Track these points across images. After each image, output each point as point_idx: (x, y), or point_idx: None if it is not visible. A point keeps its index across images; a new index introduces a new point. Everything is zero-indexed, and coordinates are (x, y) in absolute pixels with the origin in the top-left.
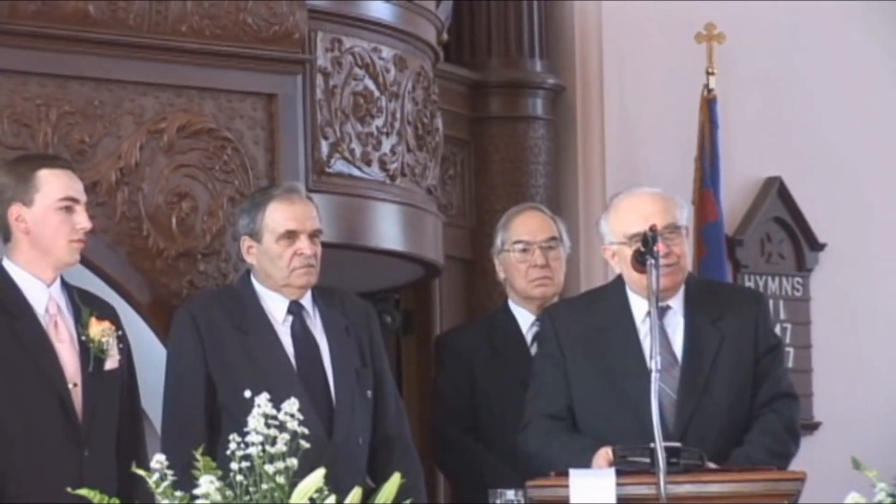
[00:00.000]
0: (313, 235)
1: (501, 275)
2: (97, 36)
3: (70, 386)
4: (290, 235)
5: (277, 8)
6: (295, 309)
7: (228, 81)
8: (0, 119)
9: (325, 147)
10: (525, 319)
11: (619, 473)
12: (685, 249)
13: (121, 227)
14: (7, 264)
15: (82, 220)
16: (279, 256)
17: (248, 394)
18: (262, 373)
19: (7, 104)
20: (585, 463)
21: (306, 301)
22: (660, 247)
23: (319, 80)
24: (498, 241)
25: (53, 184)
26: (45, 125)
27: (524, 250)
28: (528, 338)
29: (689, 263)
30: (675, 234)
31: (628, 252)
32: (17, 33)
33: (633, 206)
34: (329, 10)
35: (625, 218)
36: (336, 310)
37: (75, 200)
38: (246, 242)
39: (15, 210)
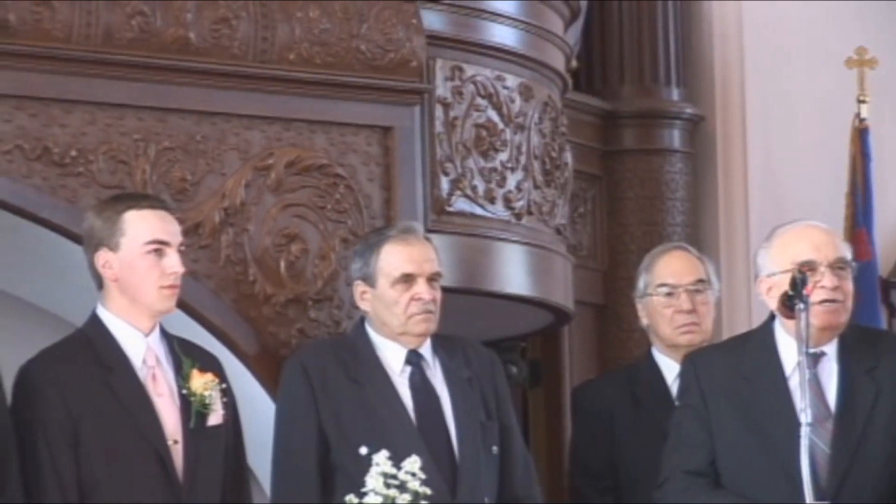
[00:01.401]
0: (432, 279)
1: (644, 321)
2: (199, 65)
3: (170, 443)
4: (407, 279)
5: (393, 34)
6: (413, 359)
7: (341, 113)
8: (95, 155)
9: (445, 184)
10: (670, 369)
11: None
12: (851, 289)
13: (225, 271)
14: (102, 313)
15: (173, 263)
16: (395, 302)
17: (363, 450)
18: (379, 428)
19: (103, 139)
20: None
21: (425, 350)
22: (828, 280)
23: (439, 111)
24: (640, 284)
25: (140, 226)
26: (144, 162)
27: (669, 294)
28: (674, 389)
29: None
30: (844, 269)
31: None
32: (112, 63)
33: (803, 236)
34: (449, 36)
35: (794, 246)
36: (458, 360)
37: (165, 243)
38: (359, 287)
39: (102, 256)
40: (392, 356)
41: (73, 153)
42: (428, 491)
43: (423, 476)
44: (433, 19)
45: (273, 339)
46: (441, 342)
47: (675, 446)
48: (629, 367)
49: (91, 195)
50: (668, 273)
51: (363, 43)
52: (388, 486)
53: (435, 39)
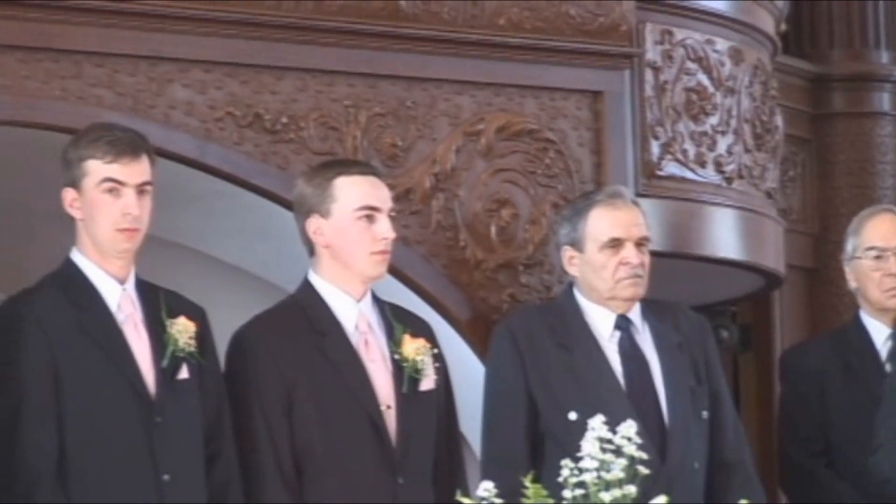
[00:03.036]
0: (640, 244)
1: (853, 284)
2: (409, 31)
3: (383, 408)
4: (615, 244)
5: None
6: (622, 324)
7: (551, 78)
8: (306, 122)
9: (655, 148)
10: (879, 333)
11: None
12: None
13: (436, 237)
14: (314, 279)
15: (384, 229)
16: (603, 267)
17: (573, 416)
18: (588, 393)
19: (314, 106)
20: None
21: (634, 315)
22: None
23: (649, 75)
24: (848, 247)
25: (351, 192)
26: (354, 128)
27: (878, 257)
28: (883, 353)
29: None
30: None
31: None
32: (323, 30)
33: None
34: (659, 0)
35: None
36: (667, 324)
37: (376, 209)
38: (568, 252)
39: (313, 222)
40: (601, 321)
41: (284, 120)
42: (644, 455)
43: (638, 441)
44: None
45: (484, 304)
46: (650, 307)
47: (890, 412)
48: (838, 330)
49: (302, 162)
50: (876, 236)
51: (573, 7)
52: (603, 450)
53: (644, 3)
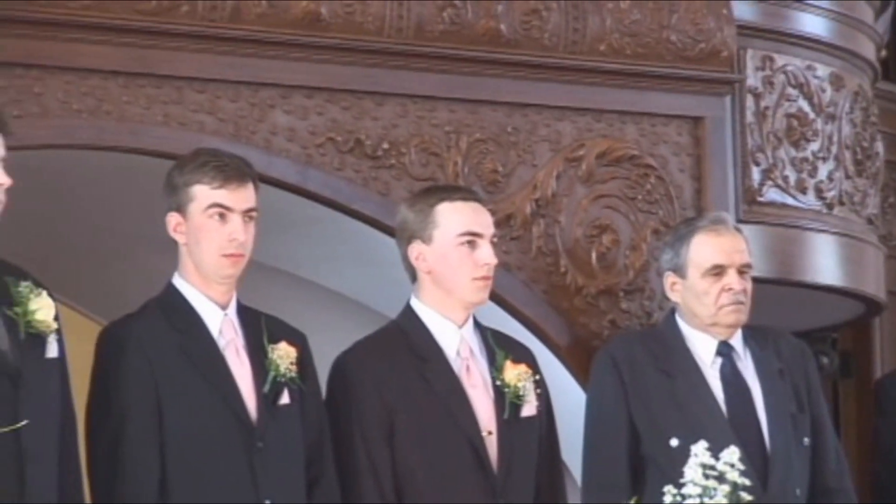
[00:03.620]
0: (742, 270)
1: None
2: (510, 57)
3: (484, 434)
4: (718, 270)
5: (704, 24)
6: (724, 350)
7: (651, 104)
8: (407, 148)
9: (756, 174)
10: None
11: None
12: None
13: (537, 262)
14: (416, 305)
15: (486, 255)
16: (705, 293)
17: (674, 442)
18: (690, 420)
19: (414, 132)
20: None
21: (736, 341)
22: None
23: (750, 101)
24: None
25: (453, 218)
26: (455, 154)
27: None
28: None
29: None
30: None
31: None
32: (424, 55)
33: None
34: (759, 26)
35: None
36: (769, 351)
37: (478, 235)
38: (669, 278)
39: (415, 248)
40: (703, 347)
41: (385, 145)
42: (747, 482)
43: (742, 467)
44: (743, 9)
45: (584, 330)
46: (752, 333)
47: None
48: None
49: (403, 187)
50: None
51: (673, 33)
52: (706, 476)
53: (745, 29)
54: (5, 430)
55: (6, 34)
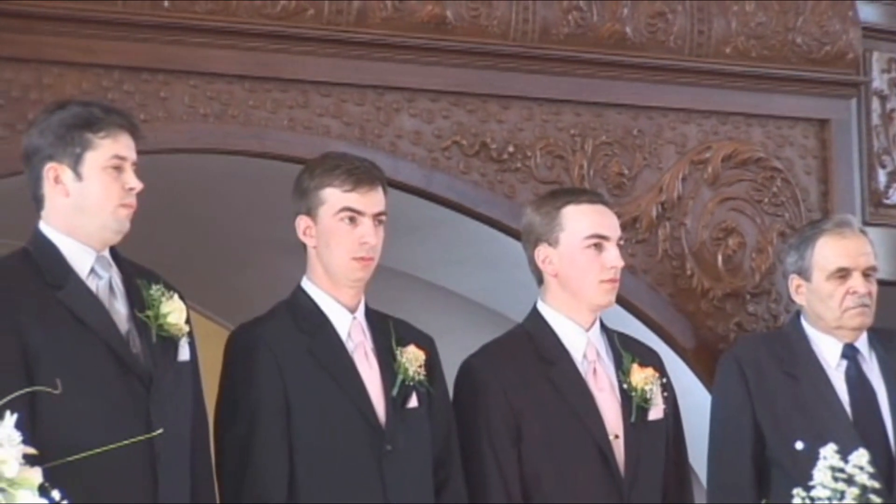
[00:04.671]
0: (867, 273)
1: None
2: (635, 60)
3: (611, 437)
4: (842, 273)
5: (829, 27)
6: (849, 353)
7: (777, 106)
8: (533, 151)
9: (882, 176)
10: None
11: None
12: None
13: (663, 265)
14: (542, 308)
15: (613, 257)
16: (830, 296)
17: (799, 445)
18: (815, 422)
19: (540, 135)
20: None
21: (861, 344)
22: None
23: (875, 103)
24: None
25: (580, 221)
26: (581, 157)
27: None
28: None
29: None
30: None
31: None
32: (549, 59)
33: None
34: (885, 28)
35: None
36: (894, 353)
37: (605, 238)
38: (795, 281)
39: (542, 251)
40: (827, 350)
41: (511, 148)
42: (876, 484)
43: (871, 469)
44: (869, 12)
45: (711, 333)
46: (877, 336)
47: None
48: None
49: (528, 190)
50: None
51: (799, 36)
52: (835, 479)
53: (871, 32)
54: (140, 438)
55: (133, 38)
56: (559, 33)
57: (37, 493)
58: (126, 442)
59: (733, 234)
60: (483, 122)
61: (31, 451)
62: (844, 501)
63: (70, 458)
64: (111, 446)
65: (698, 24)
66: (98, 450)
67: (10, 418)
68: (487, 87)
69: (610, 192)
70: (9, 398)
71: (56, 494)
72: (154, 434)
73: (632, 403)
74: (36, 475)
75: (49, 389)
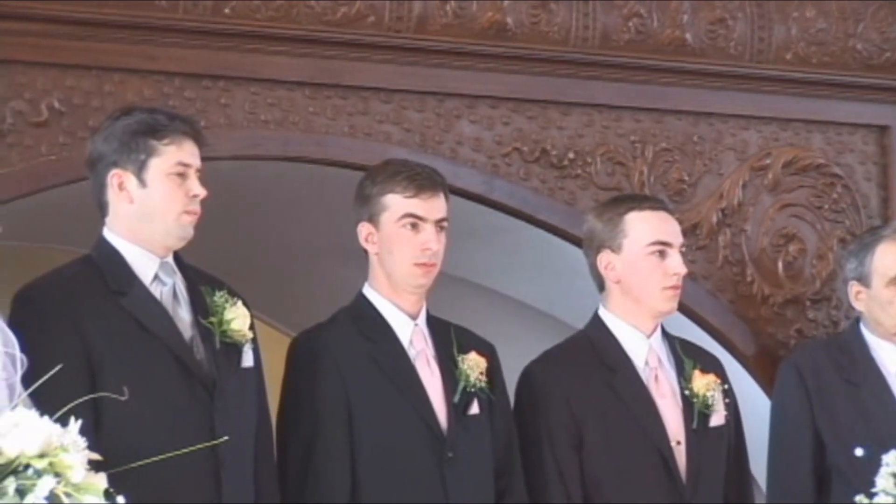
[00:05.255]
0: None
1: None
2: (695, 66)
3: (673, 444)
4: None
5: (890, 33)
6: None
7: (837, 113)
8: (593, 157)
9: None
10: None
11: None
12: None
13: (723, 272)
14: (604, 314)
15: (676, 264)
16: (889, 302)
17: (859, 452)
18: (876, 429)
19: (600, 141)
20: None
21: None
22: None
23: None
24: None
25: (643, 227)
26: (641, 163)
27: None
28: None
29: None
30: None
31: None
32: (609, 65)
33: None
34: None
35: None
36: None
37: (668, 244)
38: (854, 287)
39: (604, 257)
40: (887, 356)
41: (571, 155)
42: None
43: None
44: None
45: (771, 339)
46: None
47: None
48: None
49: (588, 197)
50: None
51: (859, 42)
52: None
53: None
54: (206, 445)
55: (193, 45)
56: (619, 39)
57: (102, 497)
58: (189, 449)
59: (793, 241)
60: (543, 128)
61: (96, 456)
62: None
63: (133, 465)
64: (175, 453)
65: (758, 31)
66: (161, 456)
67: (75, 424)
68: (548, 94)
69: (670, 199)
70: (74, 403)
71: (121, 499)
72: (218, 442)
73: (693, 410)
74: (101, 480)
75: (116, 395)
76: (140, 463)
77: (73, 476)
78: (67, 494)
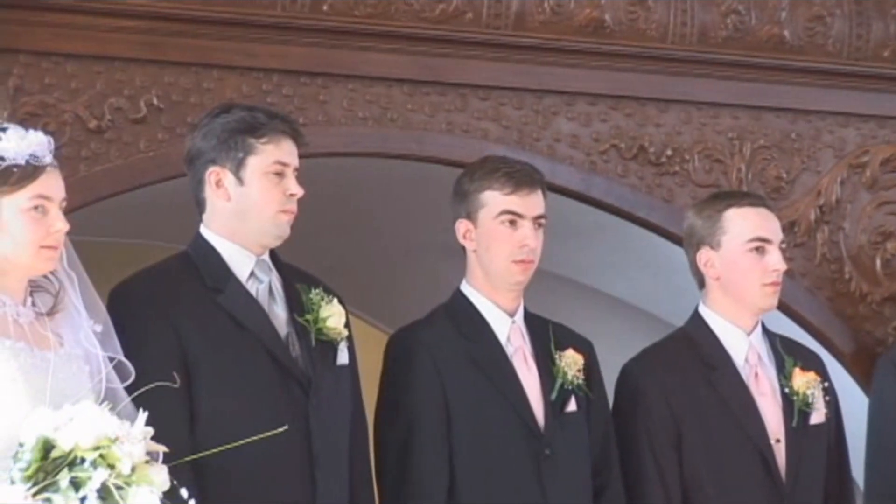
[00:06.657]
0: None
1: None
2: (793, 63)
3: (773, 442)
4: None
5: None
6: None
7: None
8: (691, 154)
9: None
10: None
11: None
12: None
13: (821, 269)
14: (704, 311)
15: (776, 260)
16: None
17: None
18: None
19: (698, 139)
20: None
21: None
22: None
23: None
24: None
25: (742, 224)
26: (739, 160)
27: None
28: None
29: None
30: None
31: None
32: (708, 62)
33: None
34: None
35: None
36: None
37: (767, 241)
38: None
39: (704, 254)
40: None
41: (669, 152)
42: None
43: None
44: None
45: (869, 337)
46: None
47: None
48: None
49: (686, 194)
50: None
51: None
52: None
53: None
54: (264, 435)
55: (292, 42)
56: (717, 36)
57: (157, 489)
58: (253, 438)
59: (892, 239)
60: (641, 125)
61: (160, 447)
62: None
63: (194, 456)
64: (241, 442)
65: (857, 28)
66: (231, 444)
67: (142, 416)
68: (645, 91)
69: (768, 196)
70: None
71: (184, 492)
72: (278, 431)
73: (793, 408)
74: (157, 473)
75: (168, 383)
76: (202, 454)
77: (123, 468)
78: (118, 487)
